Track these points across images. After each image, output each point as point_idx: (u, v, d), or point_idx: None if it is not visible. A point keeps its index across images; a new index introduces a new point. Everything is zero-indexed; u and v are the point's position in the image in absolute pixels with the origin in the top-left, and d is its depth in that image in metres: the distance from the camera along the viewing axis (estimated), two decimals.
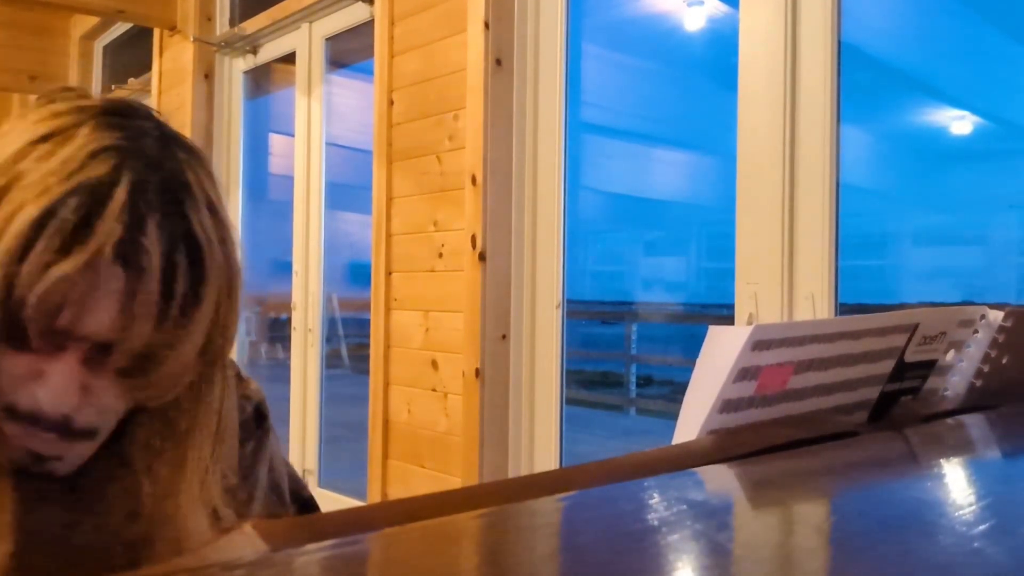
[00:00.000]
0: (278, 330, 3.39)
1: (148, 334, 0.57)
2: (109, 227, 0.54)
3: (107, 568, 0.60)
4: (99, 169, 0.55)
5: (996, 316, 0.70)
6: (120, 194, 0.55)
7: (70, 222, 0.53)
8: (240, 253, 0.62)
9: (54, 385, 0.56)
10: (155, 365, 0.58)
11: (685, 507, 0.41)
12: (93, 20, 4.81)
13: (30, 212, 0.53)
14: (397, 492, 2.64)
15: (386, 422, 2.67)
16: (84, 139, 0.56)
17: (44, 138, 0.56)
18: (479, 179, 2.35)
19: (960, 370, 0.71)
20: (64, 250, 0.53)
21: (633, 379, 8.77)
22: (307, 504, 0.83)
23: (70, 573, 0.61)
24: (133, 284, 0.55)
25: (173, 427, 0.63)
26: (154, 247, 0.55)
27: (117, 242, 0.54)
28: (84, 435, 0.59)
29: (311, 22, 3.30)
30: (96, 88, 5.10)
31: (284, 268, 3.37)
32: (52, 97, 0.62)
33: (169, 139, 0.60)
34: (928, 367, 0.67)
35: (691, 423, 0.51)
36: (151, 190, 0.56)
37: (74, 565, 0.61)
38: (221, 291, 0.59)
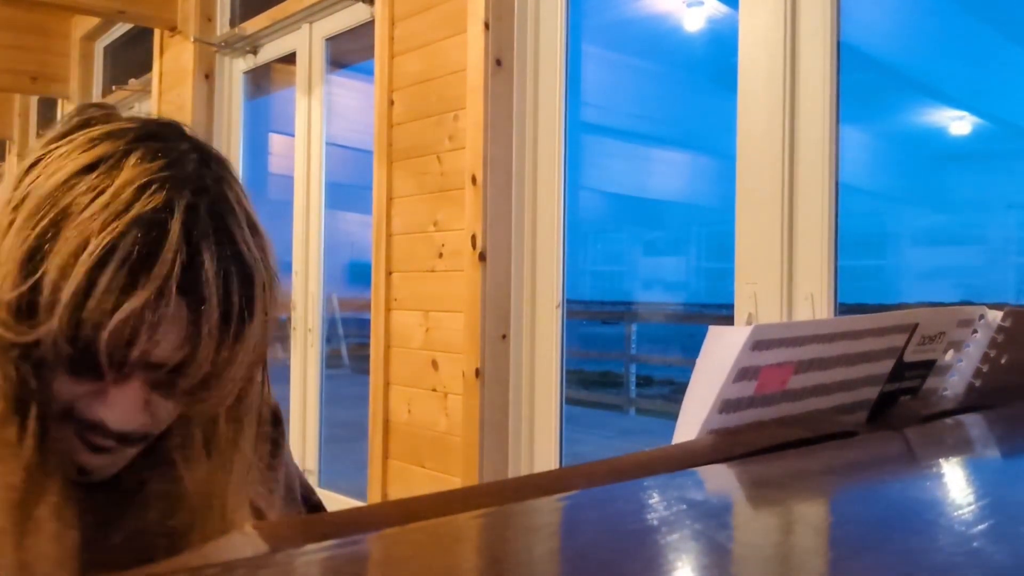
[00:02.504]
0: (278, 330, 3.39)
1: (211, 357, 0.59)
2: (169, 260, 0.56)
3: (146, 561, 0.63)
4: (152, 202, 0.57)
5: (995, 316, 0.70)
6: (175, 226, 0.57)
7: (132, 258, 0.55)
8: (275, 261, 0.65)
9: (120, 407, 0.59)
10: (216, 382, 0.61)
11: (685, 507, 0.41)
12: (94, 21, 4.81)
13: (92, 250, 0.55)
14: (397, 492, 2.64)
15: (386, 422, 2.67)
16: (132, 171, 0.58)
17: (89, 168, 0.58)
18: (479, 179, 2.35)
19: (959, 370, 0.71)
20: (129, 286, 0.55)
21: (633, 379, 8.77)
22: (317, 509, 0.84)
23: (109, 568, 0.63)
24: (195, 312, 0.58)
25: (208, 425, 0.66)
26: (211, 274, 0.58)
27: (178, 274, 0.56)
28: (138, 441, 0.62)
29: (311, 22, 3.30)
30: (97, 89, 5.10)
31: (284, 268, 3.37)
32: (83, 115, 0.63)
33: (206, 158, 0.63)
34: (927, 367, 0.67)
35: (691, 423, 0.51)
36: (201, 217, 0.59)
37: (113, 560, 0.63)
38: (266, 303, 0.62)
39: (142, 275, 0.55)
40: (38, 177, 0.58)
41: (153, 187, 0.57)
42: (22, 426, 0.57)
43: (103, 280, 0.55)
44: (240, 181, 0.65)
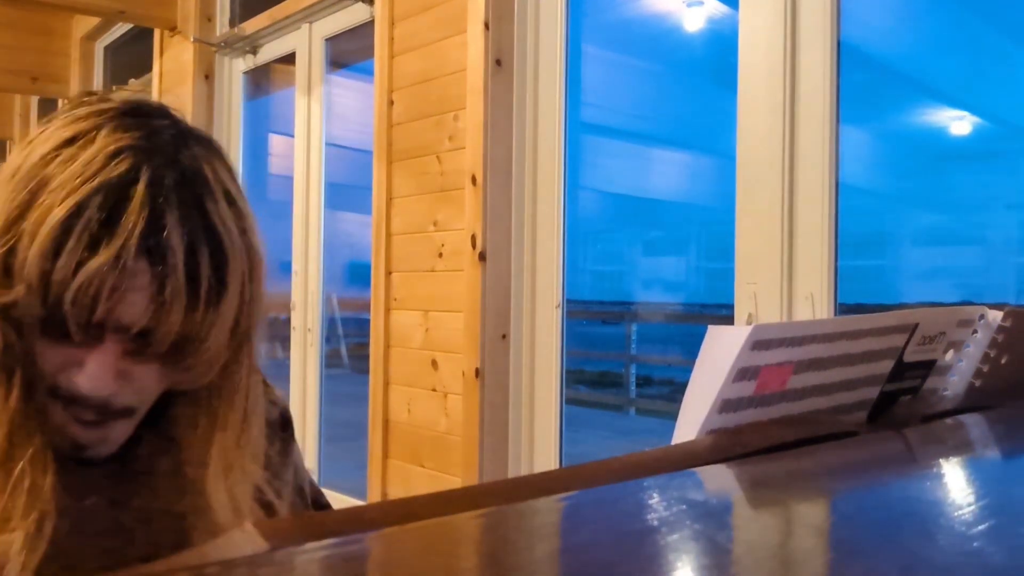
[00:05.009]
0: (277, 330, 3.39)
1: (179, 321, 0.60)
2: (131, 223, 0.58)
3: (156, 544, 0.64)
4: (119, 169, 0.59)
5: (995, 316, 0.70)
6: (139, 191, 0.59)
7: (95, 220, 0.57)
8: (260, 239, 0.65)
9: (91, 373, 0.60)
10: (191, 349, 0.62)
11: (685, 507, 0.41)
12: (94, 21, 4.81)
13: (58, 213, 0.57)
14: (397, 492, 2.64)
15: (386, 422, 2.67)
16: (104, 141, 0.60)
17: (68, 142, 0.60)
18: (479, 179, 2.35)
19: (959, 370, 0.71)
20: (92, 247, 0.57)
21: (633, 379, 8.76)
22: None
23: (121, 552, 0.65)
24: (159, 276, 0.59)
25: (206, 405, 0.67)
26: (175, 240, 0.59)
27: (140, 237, 0.58)
28: (122, 414, 0.63)
29: (311, 22, 3.30)
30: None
31: (284, 268, 3.37)
32: (76, 102, 0.65)
33: (185, 135, 0.64)
34: (927, 367, 0.67)
35: (691, 423, 0.52)
36: (168, 185, 0.60)
37: (124, 544, 0.65)
38: (244, 276, 0.63)
39: (104, 237, 0.57)
40: (28, 155, 0.61)
41: (121, 155, 0.59)
42: (7, 386, 0.59)
43: (69, 242, 0.57)
44: (227, 161, 0.66)
